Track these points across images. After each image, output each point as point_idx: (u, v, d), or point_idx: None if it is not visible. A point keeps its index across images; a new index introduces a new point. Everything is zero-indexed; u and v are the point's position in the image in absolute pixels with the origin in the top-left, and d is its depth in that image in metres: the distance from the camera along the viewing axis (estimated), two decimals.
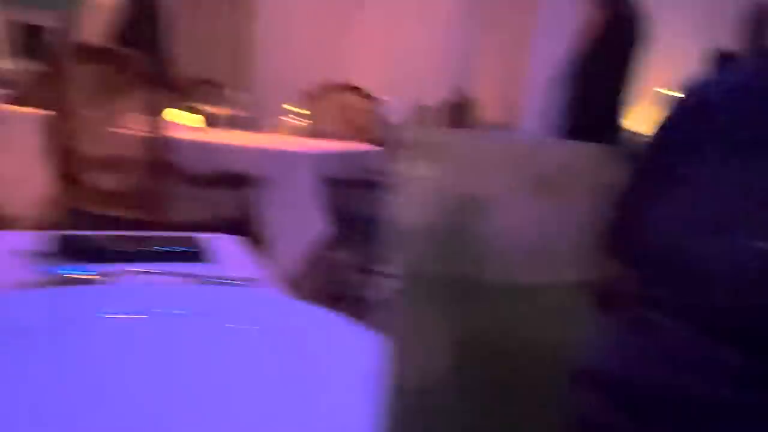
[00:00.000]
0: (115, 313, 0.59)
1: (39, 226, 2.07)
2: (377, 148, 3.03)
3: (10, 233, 0.90)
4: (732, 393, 0.54)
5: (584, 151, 0.23)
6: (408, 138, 0.25)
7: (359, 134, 3.57)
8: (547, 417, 0.25)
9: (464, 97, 4.55)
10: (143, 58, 2.05)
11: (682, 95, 0.74)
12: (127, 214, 2.08)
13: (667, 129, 0.73)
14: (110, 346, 0.54)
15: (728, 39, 4.67)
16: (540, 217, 0.23)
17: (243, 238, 2.28)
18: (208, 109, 2.92)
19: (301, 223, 2.22)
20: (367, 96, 3.64)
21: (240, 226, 2.36)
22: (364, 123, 3.65)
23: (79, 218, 2.11)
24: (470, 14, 5.95)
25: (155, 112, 2.12)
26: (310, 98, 3.68)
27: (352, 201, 2.39)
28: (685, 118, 0.70)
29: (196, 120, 2.88)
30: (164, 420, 0.44)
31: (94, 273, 0.71)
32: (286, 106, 4.20)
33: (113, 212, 2.11)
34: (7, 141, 2.33)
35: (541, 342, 0.24)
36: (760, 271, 0.54)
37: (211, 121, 2.93)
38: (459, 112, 4.32)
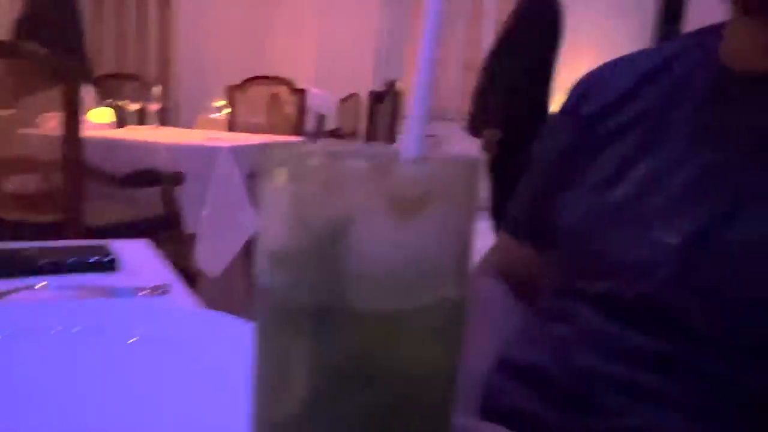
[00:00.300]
0: (6, 333, 0.56)
1: None
2: (303, 140, 3.01)
3: None
4: (645, 376, 0.55)
5: (445, 168, 0.22)
6: (267, 156, 0.23)
7: (287, 126, 3.53)
8: None
9: (393, 87, 4.55)
10: (56, 53, 1.96)
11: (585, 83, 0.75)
12: (41, 219, 1.99)
13: (570, 118, 0.73)
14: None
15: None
16: (403, 239, 0.22)
17: (166, 238, 2.21)
18: (128, 105, 2.82)
19: (226, 218, 2.17)
20: (294, 87, 3.60)
21: (165, 225, 2.30)
22: (291, 114, 3.61)
23: None
24: (399, 3, 5.95)
25: (70, 110, 2.03)
26: (235, 91, 3.61)
27: None
28: (597, 105, 0.70)
29: (113, 117, 2.78)
30: None
31: None
32: (212, 100, 4.12)
33: (26, 217, 2.02)
34: None
35: (413, 366, 0.23)
36: (671, 263, 0.55)
37: (131, 118, 2.83)
38: (387, 102, 4.32)
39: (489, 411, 0.63)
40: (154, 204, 2.31)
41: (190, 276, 2.41)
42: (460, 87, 6.14)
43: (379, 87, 4.62)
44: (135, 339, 0.57)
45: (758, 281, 0.50)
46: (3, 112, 2.19)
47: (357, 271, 0.22)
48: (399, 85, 4.16)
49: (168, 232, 2.28)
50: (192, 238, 2.22)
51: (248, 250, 2.42)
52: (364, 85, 5.07)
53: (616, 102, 0.68)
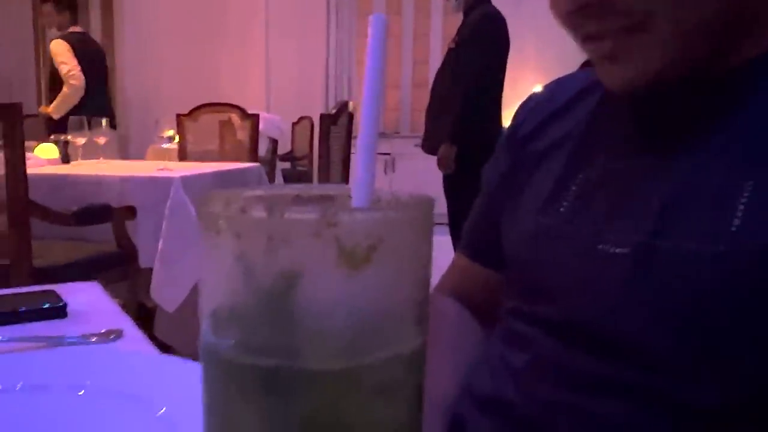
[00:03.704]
0: None
1: None
2: (257, 165, 2.98)
3: None
4: (603, 403, 0.54)
5: (396, 213, 0.22)
6: (204, 208, 0.22)
7: (240, 152, 3.49)
8: None
9: (346, 108, 4.55)
10: None
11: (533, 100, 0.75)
12: None
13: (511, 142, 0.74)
14: None
15: None
16: (356, 291, 0.21)
17: (120, 274, 2.14)
18: (73, 139, 2.75)
19: (180, 250, 2.12)
20: (246, 113, 3.56)
21: (119, 261, 2.24)
22: (244, 140, 3.57)
23: None
24: (345, 25, 5.98)
25: (13, 146, 1.96)
26: (185, 120, 3.56)
27: None
28: (527, 129, 0.71)
29: (59, 152, 2.70)
30: None
31: None
32: (162, 131, 4.06)
33: None
34: None
35: (372, 424, 0.22)
36: (624, 272, 0.54)
37: (77, 152, 2.76)
38: (341, 123, 4.31)
39: None
40: (108, 240, 2.25)
41: (148, 311, 2.35)
42: (410, 104, 6.19)
43: (331, 108, 4.61)
44: (84, 391, 0.54)
45: (700, 290, 0.48)
46: None
47: (308, 328, 0.21)
48: (352, 106, 4.16)
49: (122, 268, 2.22)
50: (148, 272, 2.16)
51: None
52: (316, 107, 5.06)
53: (546, 121, 0.68)
